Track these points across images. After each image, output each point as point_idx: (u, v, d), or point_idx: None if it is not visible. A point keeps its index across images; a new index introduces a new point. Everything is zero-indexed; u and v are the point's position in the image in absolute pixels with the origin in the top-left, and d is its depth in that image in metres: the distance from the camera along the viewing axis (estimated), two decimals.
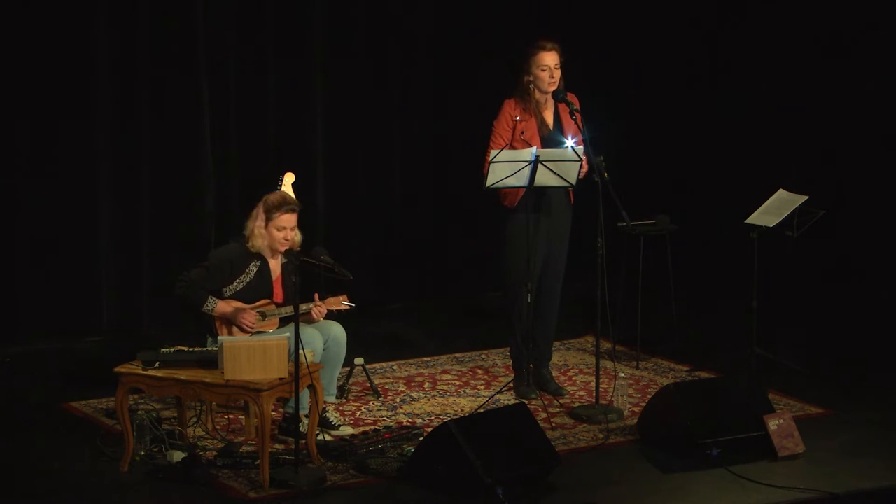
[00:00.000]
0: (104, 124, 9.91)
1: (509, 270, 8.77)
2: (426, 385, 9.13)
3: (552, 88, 8.62)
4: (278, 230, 7.98)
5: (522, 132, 8.64)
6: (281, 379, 7.40)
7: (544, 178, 8.46)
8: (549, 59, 8.62)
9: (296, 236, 8.04)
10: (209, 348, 7.66)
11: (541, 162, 8.39)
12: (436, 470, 7.35)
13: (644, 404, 8.31)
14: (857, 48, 10.61)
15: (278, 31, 10.38)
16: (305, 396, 7.80)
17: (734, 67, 11.23)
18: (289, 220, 7.97)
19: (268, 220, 7.99)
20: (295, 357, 7.38)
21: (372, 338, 9.93)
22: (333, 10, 10.56)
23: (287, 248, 8.02)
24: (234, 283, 8.04)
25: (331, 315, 8.19)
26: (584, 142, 8.42)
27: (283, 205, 7.97)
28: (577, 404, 8.68)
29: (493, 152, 8.41)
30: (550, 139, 8.66)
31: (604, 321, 8.46)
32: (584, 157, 8.45)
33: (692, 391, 8.02)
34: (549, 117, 8.74)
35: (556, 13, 10.99)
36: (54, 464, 7.69)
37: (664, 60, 11.52)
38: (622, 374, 8.69)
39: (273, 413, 7.61)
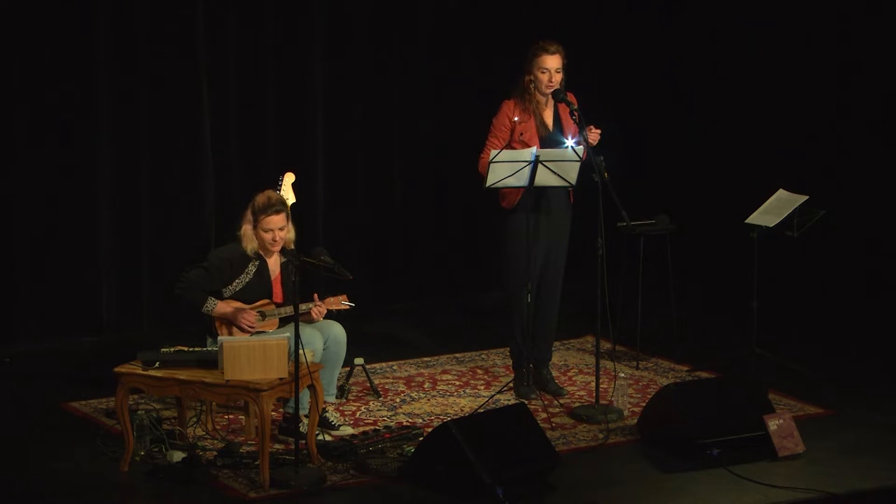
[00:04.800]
0: (104, 123, 9.91)
1: (509, 271, 8.77)
2: (426, 385, 9.13)
3: (550, 91, 8.62)
4: (265, 232, 7.99)
5: (521, 134, 8.64)
6: (281, 379, 7.40)
7: (544, 178, 8.46)
8: (551, 63, 8.61)
9: (288, 234, 8.04)
10: (209, 348, 7.66)
11: (541, 162, 8.39)
12: (436, 470, 7.35)
13: (644, 404, 8.31)
14: (857, 47, 10.61)
15: (278, 31, 10.37)
16: (305, 396, 7.80)
17: (735, 67, 11.23)
18: (275, 221, 7.96)
19: (255, 223, 8.00)
20: (295, 357, 7.38)
21: (372, 338, 9.93)
22: (334, 8, 10.56)
23: (278, 247, 8.03)
24: (234, 284, 8.04)
25: (331, 315, 8.19)
26: (584, 141, 8.42)
27: (268, 207, 7.96)
28: (577, 404, 8.68)
29: (492, 152, 8.40)
30: (550, 140, 8.65)
31: (604, 321, 8.46)
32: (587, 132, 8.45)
33: (692, 391, 8.02)
34: (548, 118, 8.74)
35: (557, 12, 10.98)
36: (54, 464, 7.69)
37: (665, 60, 11.52)
38: (622, 374, 8.69)
39: (273, 413, 7.61)
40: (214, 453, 7.73)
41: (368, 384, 8.92)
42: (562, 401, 8.74)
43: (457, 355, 9.74)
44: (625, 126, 10.85)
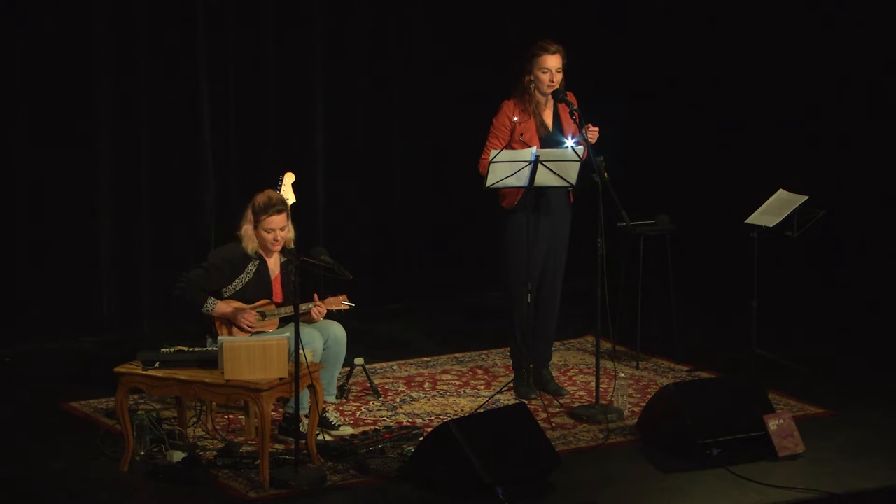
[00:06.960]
0: (104, 124, 9.91)
1: (509, 270, 8.77)
2: (426, 385, 9.13)
3: (550, 91, 8.62)
4: (267, 232, 7.99)
5: (521, 134, 8.64)
6: (281, 379, 7.40)
7: (544, 178, 8.46)
8: (552, 63, 8.61)
9: (288, 233, 8.04)
10: (209, 348, 7.66)
11: (541, 162, 8.39)
12: (436, 470, 7.35)
13: (644, 404, 8.31)
14: (857, 47, 10.61)
15: (278, 31, 10.38)
16: (305, 396, 7.80)
17: (735, 67, 11.23)
18: (276, 221, 7.96)
19: (256, 222, 8.00)
20: (295, 357, 7.38)
21: (372, 338, 9.93)
22: (333, 9, 10.57)
23: (279, 247, 8.02)
24: (234, 284, 8.04)
25: (331, 315, 8.19)
26: (584, 141, 8.41)
27: (269, 207, 7.96)
28: (577, 404, 8.68)
29: (492, 152, 8.40)
30: (549, 139, 8.65)
31: (604, 321, 8.46)
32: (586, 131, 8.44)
33: (692, 391, 8.02)
34: (548, 118, 8.74)
35: (556, 12, 10.98)
36: (54, 464, 7.69)
37: (665, 60, 11.52)
38: (622, 374, 8.69)
39: (273, 413, 7.61)
40: (214, 453, 7.73)
41: (368, 384, 8.92)
42: (562, 401, 8.74)
43: (457, 355, 9.74)
44: (625, 126, 10.84)
